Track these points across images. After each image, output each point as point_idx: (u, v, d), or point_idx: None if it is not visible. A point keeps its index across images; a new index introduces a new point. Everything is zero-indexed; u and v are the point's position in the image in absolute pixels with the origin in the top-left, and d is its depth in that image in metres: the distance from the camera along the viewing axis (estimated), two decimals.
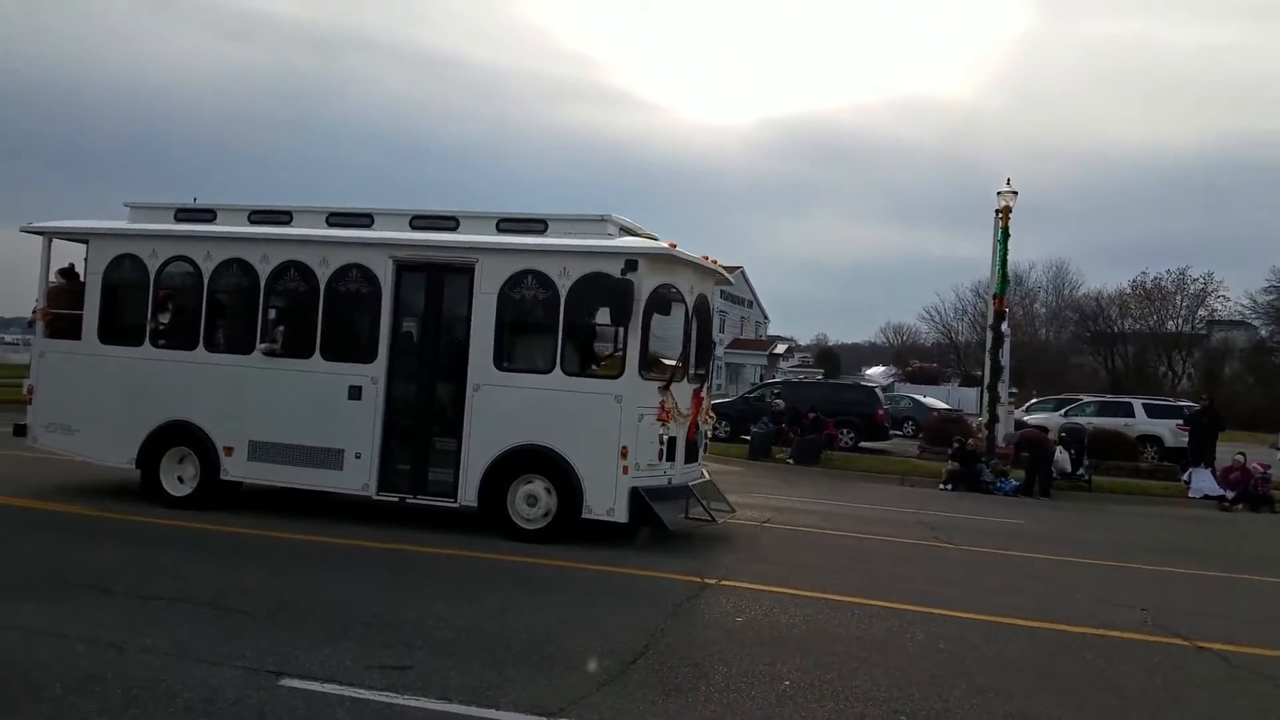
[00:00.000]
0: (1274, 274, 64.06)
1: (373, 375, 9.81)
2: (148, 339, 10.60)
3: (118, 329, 10.81)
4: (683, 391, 9.99)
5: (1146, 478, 21.51)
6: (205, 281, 10.47)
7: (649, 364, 9.55)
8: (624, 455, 9.16)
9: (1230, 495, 18.23)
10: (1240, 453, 19.11)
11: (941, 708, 5.32)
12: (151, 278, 10.63)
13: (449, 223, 10.15)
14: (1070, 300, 71.83)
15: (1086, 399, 30.60)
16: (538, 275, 9.54)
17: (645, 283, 9.30)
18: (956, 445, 19.55)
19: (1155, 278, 66.34)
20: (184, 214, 10.88)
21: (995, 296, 22.19)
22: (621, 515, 9.21)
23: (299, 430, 9.97)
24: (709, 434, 11.49)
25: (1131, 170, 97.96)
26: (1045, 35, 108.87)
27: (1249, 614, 8.53)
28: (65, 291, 11.30)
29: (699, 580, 8.22)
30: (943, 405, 37.84)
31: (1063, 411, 27.86)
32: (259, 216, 10.62)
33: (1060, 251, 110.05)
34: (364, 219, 10.35)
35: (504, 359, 9.66)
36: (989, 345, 22.31)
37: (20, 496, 10.49)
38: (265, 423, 10.08)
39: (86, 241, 11.13)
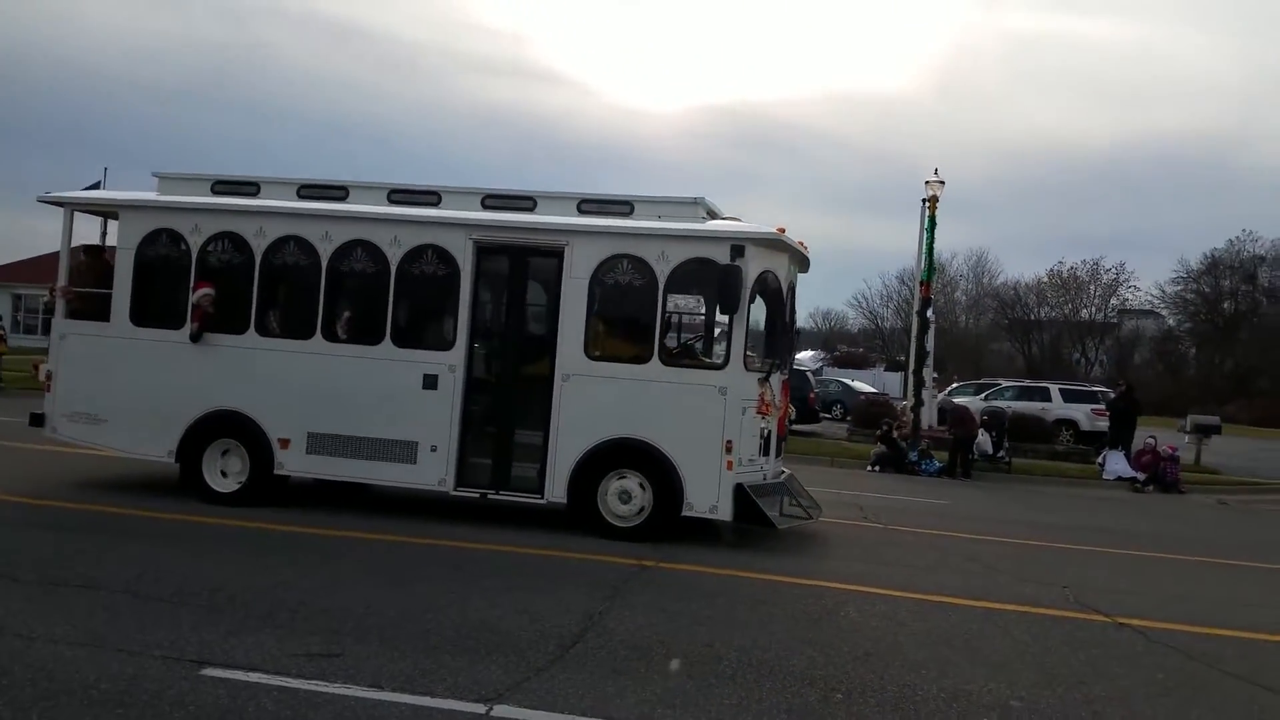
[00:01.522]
0: (1181, 266, 67.16)
1: (450, 363, 9.28)
2: (189, 321, 9.77)
3: (153, 310, 9.94)
4: (773, 382, 9.63)
5: (1063, 460, 22.34)
6: (257, 260, 9.68)
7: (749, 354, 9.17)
8: (729, 450, 8.83)
9: (1142, 478, 19.02)
10: (1151, 437, 19.92)
11: (877, 684, 5.39)
12: (194, 255, 9.81)
13: (525, 203, 9.64)
14: (989, 289, 74.09)
15: (1006, 384, 31.53)
16: (634, 260, 9.10)
17: (751, 268, 8.94)
18: (884, 428, 19.95)
19: (1071, 268, 68.95)
20: (222, 186, 10.10)
21: (922, 283, 22.64)
22: (725, 513, 8.91)
23: (367, 421, 9.37)
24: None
25: (1051, 164, 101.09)
26: (973, 31, 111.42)
27: (1162, 591, 8.89)
28: (88, 269, 10.38)
29: (637, 563, 8.19)
30: (870, 389, 38.61)
31: (983, 396, 28.66)
32: (310, 191, 9.96)
33: (981, 242, 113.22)
34: (430, 196, 9.72)
35: (596, 348, 9.21)
36: (915, 331, 22.80)
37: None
38: (327, 413, 9.43)
39: (114, 215, 10.26)
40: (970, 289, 74.93)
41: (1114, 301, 69.83)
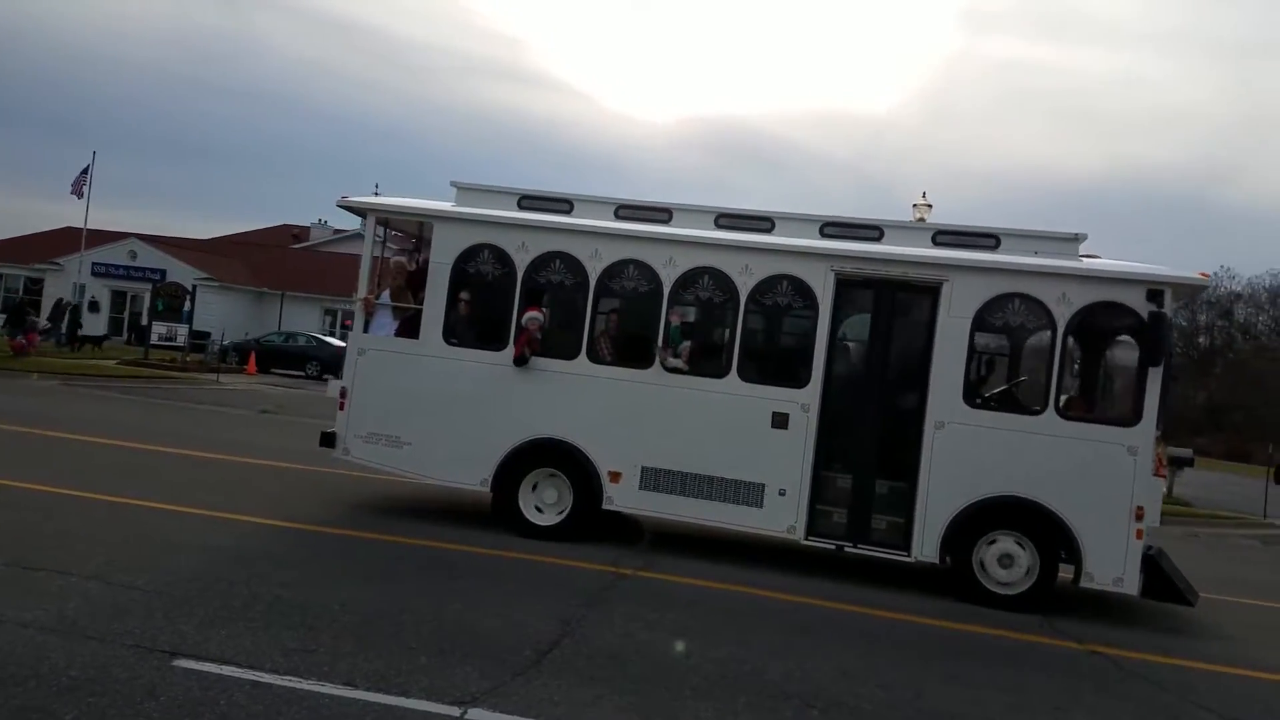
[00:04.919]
0: None
1: (803, 402, 8.63)
2: (512, 343, 9.20)
3: (470, 329, 9.43)
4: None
5: None
6: (592, 283, 9.10)
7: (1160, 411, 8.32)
8: (1139, 517, 8.08)
9: None
10: None
11: (853, 704, 5.39)
12: (519, 274, 9.23)
13: (871, 232, 8.98)
14: None
15: None
16: (1028, 301, 8.34)
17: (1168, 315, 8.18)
18: None
19: None
20: (529, 202, 9.55)
21: None
22: (1132, 586, 8.13)
23: (708, 459, 8.78)
24: None
25: (1034, 190, 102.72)
26: (963, 57, 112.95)
27: (1136, 622, 8.92)
28: (395, 283, 9.78)
29: (615, 570, 8.17)
30: None
31: None
32: (628, 212, 9.37)
33: None
34: (762, 222, 9.17)
35: (977, 394, 8.56)
36: None
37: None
38: (665, 448, 8.86)
39: (391, 224, 9.89)
40: None
41: None
